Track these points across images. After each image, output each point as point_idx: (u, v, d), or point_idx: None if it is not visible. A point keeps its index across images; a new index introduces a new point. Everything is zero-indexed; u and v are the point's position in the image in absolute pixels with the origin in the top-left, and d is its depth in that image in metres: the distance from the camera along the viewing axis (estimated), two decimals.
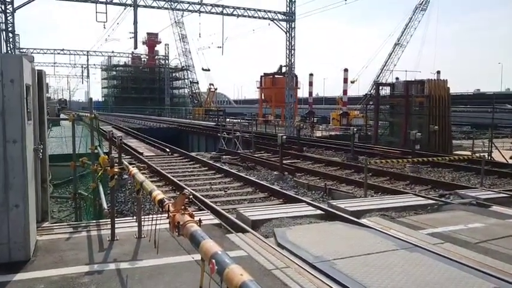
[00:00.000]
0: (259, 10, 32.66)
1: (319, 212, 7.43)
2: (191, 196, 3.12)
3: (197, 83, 72.62)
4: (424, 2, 57.43)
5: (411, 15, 58.61)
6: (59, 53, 61.58)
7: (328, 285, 4.18)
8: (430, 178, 12.56)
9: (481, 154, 15.00)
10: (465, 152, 21.48)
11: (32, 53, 51.09)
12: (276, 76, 50.76)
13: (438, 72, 55.48)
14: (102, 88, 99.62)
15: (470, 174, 13.32)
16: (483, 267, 4.71)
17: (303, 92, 67.16)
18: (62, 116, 34.94)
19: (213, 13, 32.15)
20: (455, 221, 6.76)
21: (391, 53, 60.56)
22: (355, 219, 6.77)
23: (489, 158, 16.62)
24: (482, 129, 34.26)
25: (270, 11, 32.78)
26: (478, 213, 7.30)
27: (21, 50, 43.77)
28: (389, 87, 28.01)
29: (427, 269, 4.65)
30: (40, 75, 5.80)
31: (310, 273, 4.45)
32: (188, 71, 72.53)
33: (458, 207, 7.75)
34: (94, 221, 6.40)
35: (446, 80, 24.55)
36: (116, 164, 5.47)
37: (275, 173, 13.46)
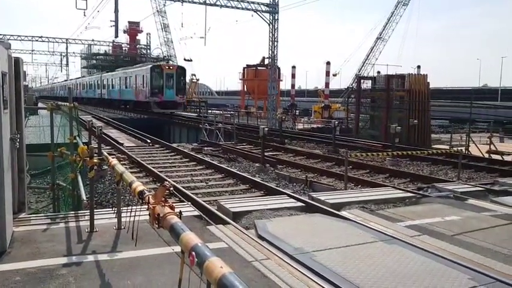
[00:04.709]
0: (243, 1, 32.45)
1: (299, 204, 7.47)
2: (172, 188, 3.10)
3: None
4: None
5: (393, 10, 59.12)
6: (37, 40, 60.07)
7: (307, 276, 4.22)
8: (408, 171, 12.75)
9: (459, 148, 15.29)
10: (443, 146, 21.89)
11: (8, 39, 49.77)
12: (258, 68, 50.64)
13: (418, 67, 56.27)
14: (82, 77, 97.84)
15: (448, 167, 13.57)
16: (459, 259, 4.82)
17: (285, 84, 67.28)
18: None
19: (195, 3, 31.82)
20: (433, 214, 6.90)
21: (373, 47, 61.01)
22: (335, 212, 6.84)
23: (466, 152, 16.95)
24: (460, 124, 34.93)
25: (253, 2, 32.61)
26: (454, 206, 7.45)
27: None
28: (370, 81, 28.28)
29: (404, 261, 4.74)
30: (17, 63, 5.66)
31: (290, 264, 4.49)
32: (170, 61, 71.73)
33: (436, 200, 7.90)
34: (72, 212, 6.32)
35: (426, 74, 24.94)
36: (95, 155, 5.39)
37: (257, 165, 13.48)
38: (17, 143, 5.42)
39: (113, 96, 45.78)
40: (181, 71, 36.26)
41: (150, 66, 35.37)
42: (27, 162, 6.61)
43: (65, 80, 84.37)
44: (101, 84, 50.72)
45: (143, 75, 35.40)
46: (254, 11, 32.74)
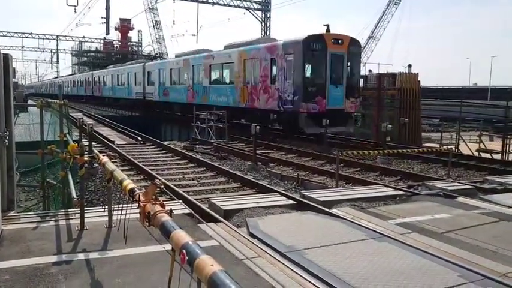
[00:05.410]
0: None
1: (291, 202, 7.48)
2: (162, 186, 3.09)
3: None
4: None
5: (385, 9, 59.48)
6: (27, 37, 59.67)
7: (298, 274, 4.23)
8: (399, 169, 12.83)
9: (449, 147, 15.41)
10: (433, 145, 22.06)
11: None
12: None
13: (409, 65, 56.51)
14: (72, 74, 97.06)
15: (438, 166, 13.67)
16: (448, 256, 4.86)
17: None
18: None
19: (187, 0, 31.73)
20: (423, 212, 6.95)
21: (365, 46, 61.32)
22: (327, 210, 6.86)
23: (456, 150, 17.08)
24: (450, 122, 35.17)
25: (245, 0, 32.59)
26: (444, 204, 7.51)
27: None
28: (362, 80, 28.34)
29: (394, 258, 4.77)
30: (6, 59, 5.61)
31: (281, 262, 4.50)
32: (162, 59, 71.45)
33: (426, 198, 7.96)
34: (62, 211, 6.27)
35: (417, 73, 25.04)
36: (85, 153, 5.36)
37: (248, 163, 13.48)
38: (6, 141, 5.37)
39: (178, 98, 27.48)
40: (355, 49, 18.50)
41: (301, 38, 16.92)
42: (17, 160, 6.56)
43: (72, 74, 73.22)
44: (145, 78, 32.48)
45: (276, 59, 17.88)
46: (246, 9, 32.76)
